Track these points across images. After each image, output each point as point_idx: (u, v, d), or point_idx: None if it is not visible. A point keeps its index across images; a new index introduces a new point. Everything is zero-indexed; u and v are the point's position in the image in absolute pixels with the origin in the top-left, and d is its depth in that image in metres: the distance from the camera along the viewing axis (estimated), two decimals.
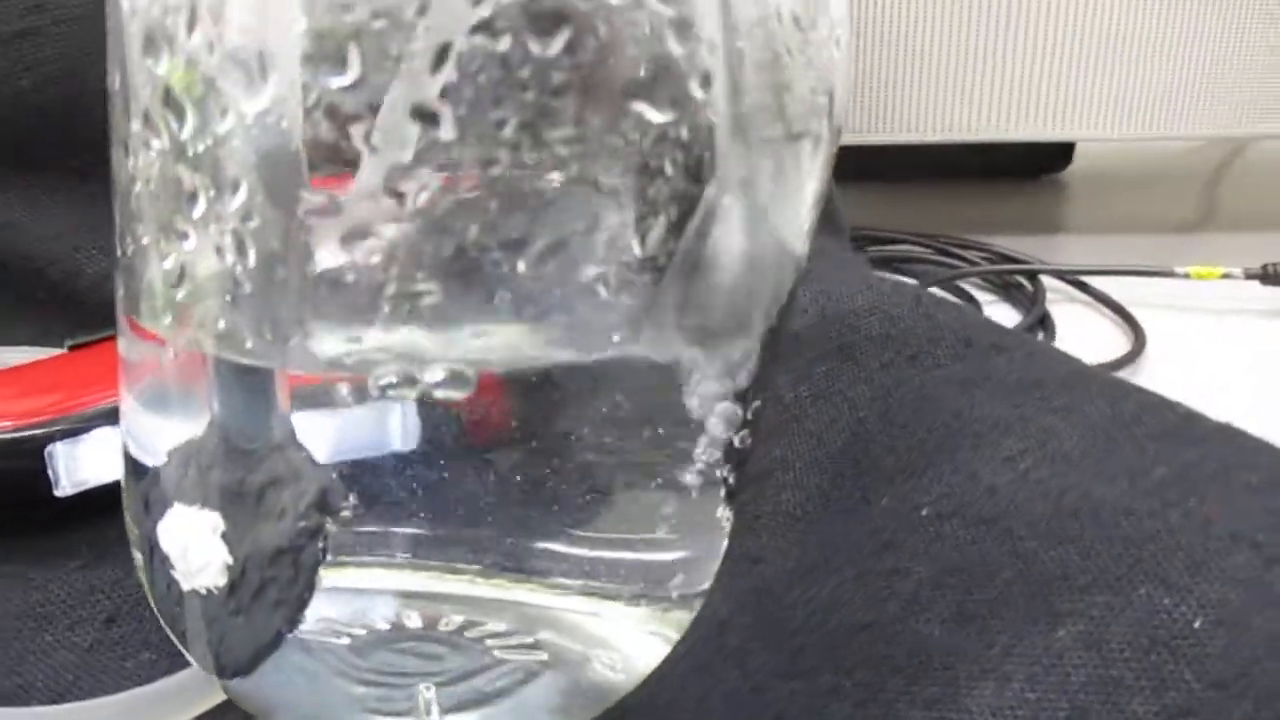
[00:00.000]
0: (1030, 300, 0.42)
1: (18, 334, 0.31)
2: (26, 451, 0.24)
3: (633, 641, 0.20)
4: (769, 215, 0.17)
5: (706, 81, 0.15)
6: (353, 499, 0.16)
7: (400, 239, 0.14)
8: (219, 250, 0.15)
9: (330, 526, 0.17)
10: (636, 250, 0.15)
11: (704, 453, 0.18)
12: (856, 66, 0.43)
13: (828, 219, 0.37)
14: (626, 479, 0.18)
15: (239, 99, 0.14)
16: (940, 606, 0.20)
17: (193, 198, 0.15)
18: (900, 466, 0.25)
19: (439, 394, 0.15)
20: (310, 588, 0.17)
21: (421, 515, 0.17)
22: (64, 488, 0.25)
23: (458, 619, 0.18)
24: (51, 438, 0.24)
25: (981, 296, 0.44)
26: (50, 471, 0.24)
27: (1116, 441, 0.24)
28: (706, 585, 0.20)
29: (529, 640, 0.19)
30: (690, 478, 0.18)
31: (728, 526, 0.21)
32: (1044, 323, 0.41)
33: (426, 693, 0.18)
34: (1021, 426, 0.25)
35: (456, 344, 0.15)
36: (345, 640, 0.17)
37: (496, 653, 0.18)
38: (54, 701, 0.22)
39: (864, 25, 0.43)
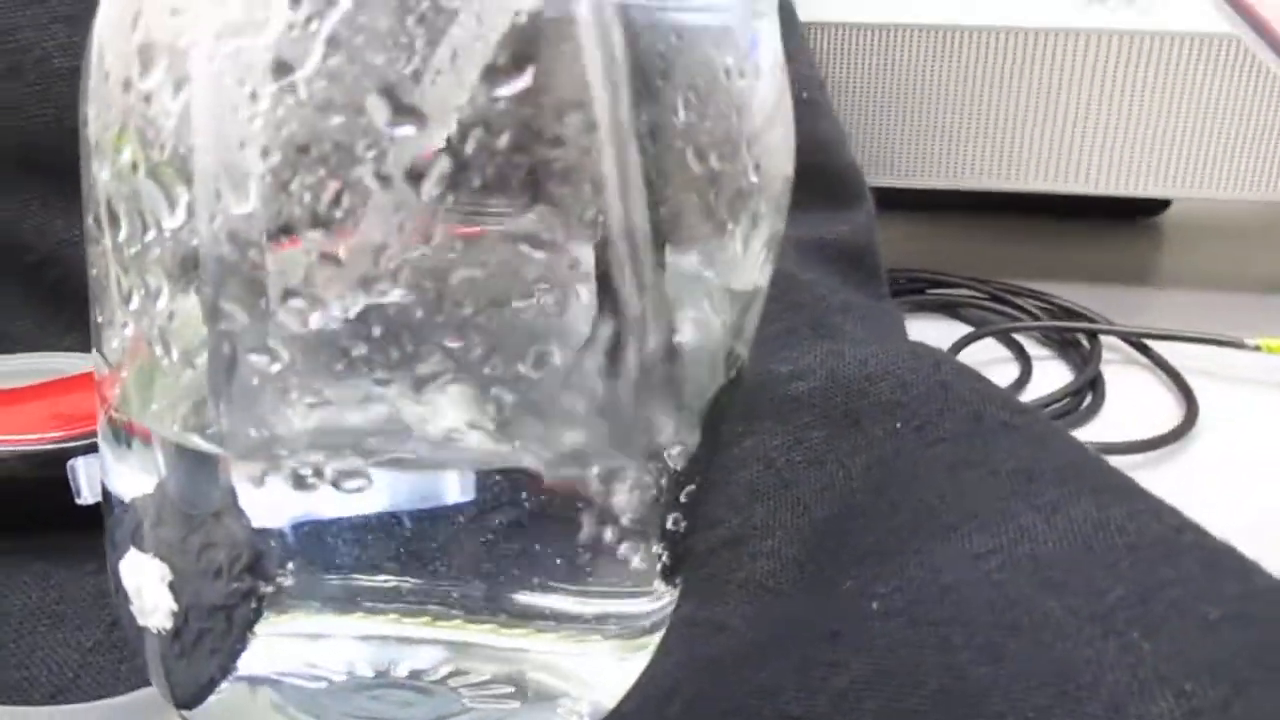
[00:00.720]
0: (1084, 359, 0.41)
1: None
2: (55, 463, 0.26)
3: (600, 672, 0.20)
4: (691, 310, 0.17)
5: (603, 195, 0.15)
6: (290, 564, 0.18)
7: (310, 343, 0.15)
8: (149, 342, 0.16)
9: (264, 588, 0.18)
10: (556, 361, 0.16)
11: (631, 528, 0.19)
12: (939, 112, 0.42)
13: (859, 267, 0.36)
14: (573, 546, 0.19)
15: (160, 213, 0.15)
16: (865, 709, 0.20)
17: (128, 294, 0.16)
18: (871, 549, 0.25)
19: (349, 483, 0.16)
20: (243, 642, 0.19)
21: (396, 567, 0.18)
22: (85, 498, 0.27)
23: (441, 668, 0.19)
24: (77, 451, 0.26)
25: (1034, 350, 0.43)
26: (72, 483, 0.26)
27: (1091, 550, 0.23)
28: (657, 635, 0.21)
29: (503, 689, 0.20)
30: (624, 551, 0.19)
31: (668, 599, 0.21)
32: (1095, 385, 0.40)
33: None
34: (999, 523, 0.24)
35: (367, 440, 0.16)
36: (322, 684, 0.19)
37: (467, 700, 0.19)
38: (53, 696, 0.24)
39: (940, 70, 0.42)
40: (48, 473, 0.27)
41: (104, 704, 0.22)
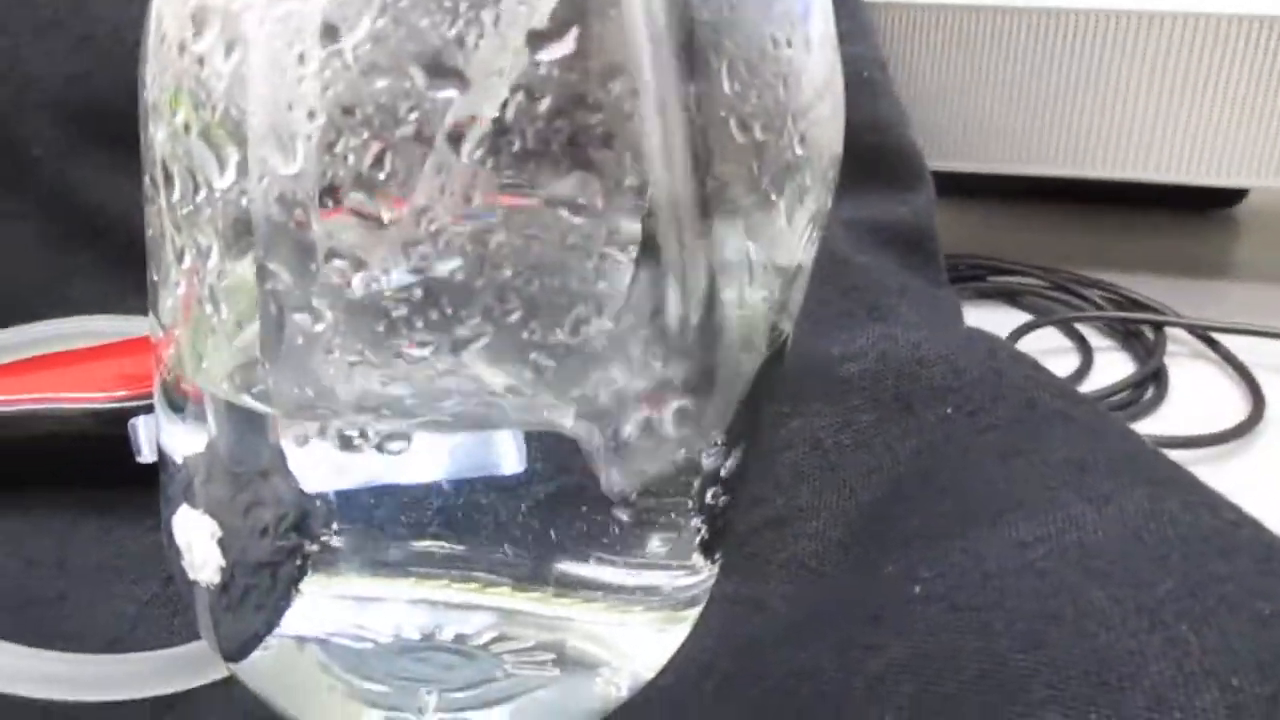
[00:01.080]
0: (1148, 352, 0.40)
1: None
2: (118, 421, 0.27)
3: (640, 643, 0.20)
4: (733, 281, 0.17)
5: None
6: (335, 524, 0.18)
7: (354, 305, 0.15)
8: (200, 301, 0.16)
9: (309, 547, 0.18)
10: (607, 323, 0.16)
11: (671, 501, 0.19)
12: (1006, 94, 0.41)
13: (917, 251, 0.36)
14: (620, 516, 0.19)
15: (210, 174, 0.15)
16: (900, 693, 0.20)
17: (180, 254, 0.16)
18: (915, 534, 0.25)
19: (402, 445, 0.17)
20: (287, 599, 0.19)
21: (440, 532, 0.18)
22: (144, 456, 0.27)
23: (486, 634, 0.19)
24: (139, 410, 0.27)
25: (1097, 341, 0.42)
26: (132, 441, 0.27)
27: (1142, 541, 0.23)
28: (697, 608, 0.21)
29: (545, 656, 0.20)
30: (663, 523, 0.19)
31: (708, 573, 0.21)
32: (1158, 378, 0.39)
33: (427, 696, 0.20)
34: (1048, 511, 0.24)
35: (419, 406, 0.16)
36: (369, 645, 0.19)
37: (509, 666, 0.20)
38: (110, 645, 0.25)
39: (1008, 51, 0.41)
40: (112, 431, 0.28)
41: (157, 655, 0.23)
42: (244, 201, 0.15)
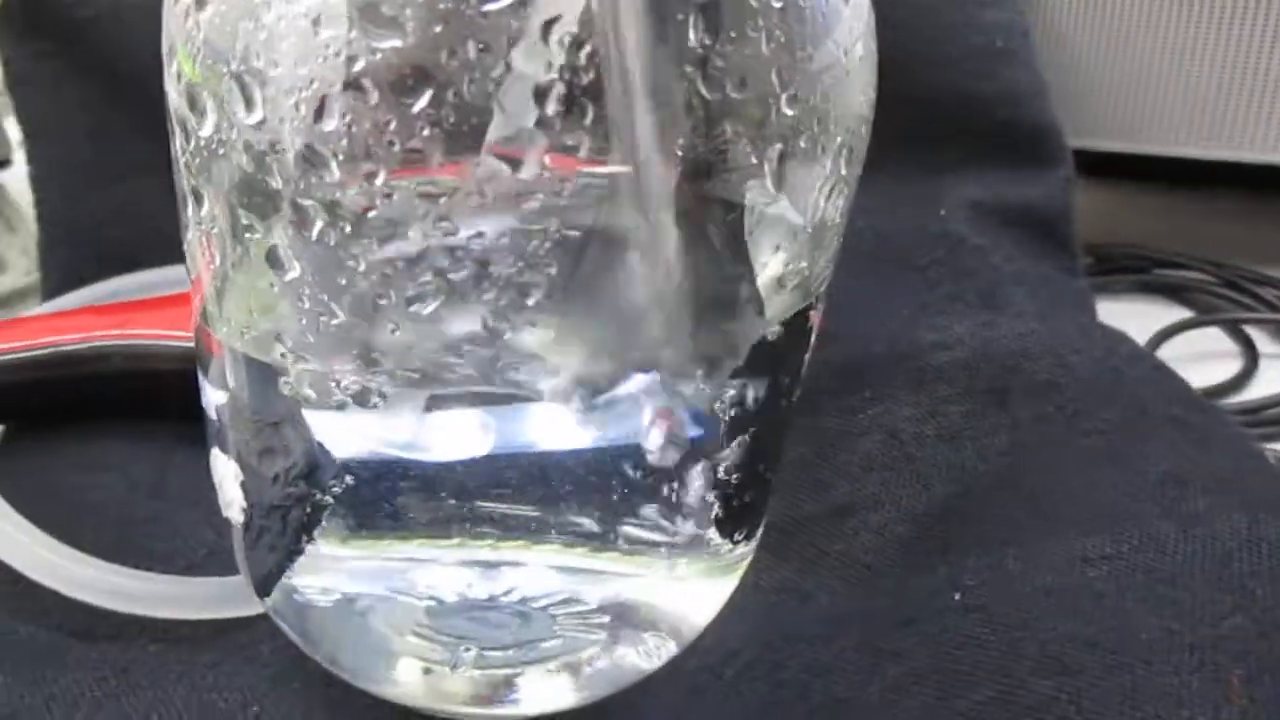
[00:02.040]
0: None
1: None
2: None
3: (685, 600, 0.20)
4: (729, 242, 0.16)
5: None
6: (348, 478, 0.18)
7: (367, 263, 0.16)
8: (203, 248, 0.17)
9: (318, 497, 0.19)
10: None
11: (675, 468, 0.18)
12: (1176, 67, 0.38)
13: (1047, 237, 0.33)
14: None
15: (193, 124, 0.15)
16: (910, 705, 0.19)
17: (184, 199, 0.17)
18: (979, 538, 0.23)
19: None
20: (297, 545, 0.20)
21: (500, 497, 0.18)
22: None
23: (550, 595, 0.20)
24: None
25: (1266, 346, 0.37)
26: None
27: (1226, 570, 0.20)
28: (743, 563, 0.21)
29: (600, 619, 0.20)
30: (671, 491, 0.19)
31: (728, 551, 0.20)
32: None
33: (466, 653, 0.20)
34: (1126, 527, 0.22)
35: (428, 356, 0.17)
36: (429, 603, 0.19)
37: (559, 625, 0.20)
38: (186, 569, 0.26)
39: (1182, 32, 0.37)
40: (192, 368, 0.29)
41: (221, 581, 0.24)
42: (221, 151, 0.15)
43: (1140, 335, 0.36)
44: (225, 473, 0.21)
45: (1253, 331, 0.38)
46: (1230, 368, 0.37)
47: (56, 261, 0.35)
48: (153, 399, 0.28)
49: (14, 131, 0.39)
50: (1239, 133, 0.38)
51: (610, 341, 0.16)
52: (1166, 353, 0.37)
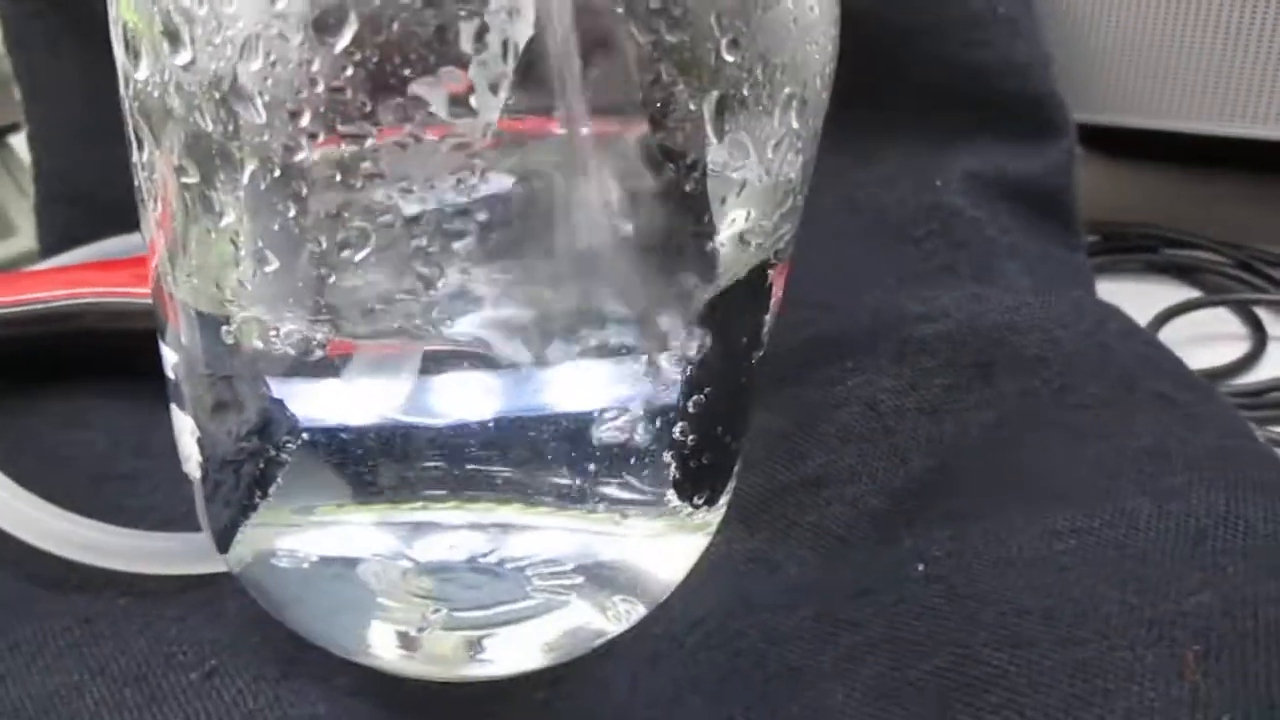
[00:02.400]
0: None
1: None
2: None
3: (652, 562, 0.20)
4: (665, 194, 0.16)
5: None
6: (304, 435, 0.18)
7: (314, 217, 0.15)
8: (150, 198, 0.17)
9: (271, 452, 0.19)
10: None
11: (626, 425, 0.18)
12: (1190, 41, 0.36)
13: (1047, 211, 0.32)
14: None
15: (131, 68, 0.15)
16: (863, 674, 0.18)
17: (131, 149, 0.17)
18: (950, 511, 0.23)
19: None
20: (251, 501, 0.19)
21: (461, 458, 0.18)
22: None
23: (515, 551, 0.19)
24: None
25: (1275, 329, 0.36)
26: None
27: (1199, 547, 0.20)
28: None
29: (573, 580, 0.20)
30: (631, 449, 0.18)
31: (685, 515, 0.20)
32: None
33: (435, 614, 0.20)
34: (1100, 502, 0.21)
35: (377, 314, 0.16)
36: (403, 564, 0.19)
37: (535, 583, 0.20)
38: (163, 525, 0.26)
39: (1194, 4, 0.36)
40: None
41: (189, 537, 0.24)
42: (156, 94, 0.15)
43: (1146, 315, 0.36)
44: (182, 428, 0.21)
45: (1262, 313, 0.37)
46: (1238, 349, 0.36)
47: (53, 220, 0.35)
48: (130, 356, 0.28)
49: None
50: (1248, 107, 0.36)
51: (550, 295, 0.16)
52: (1172, 333, 0.36)
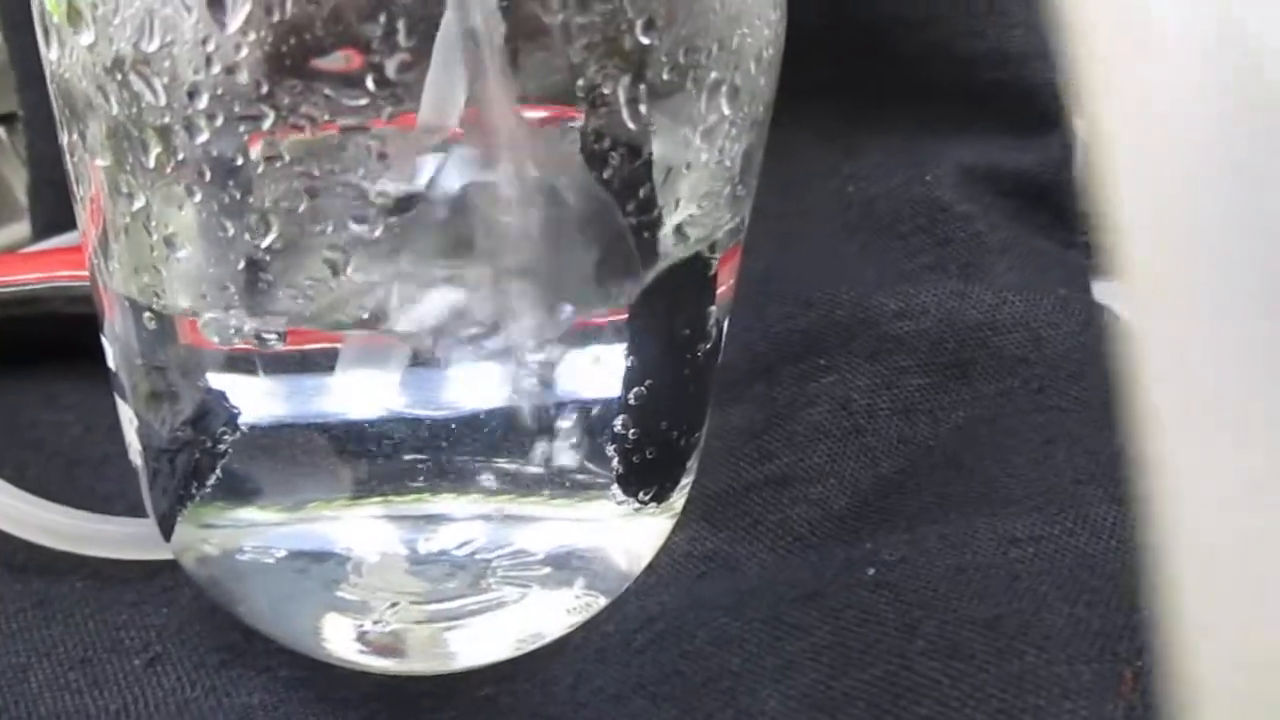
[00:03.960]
0: None
1: None
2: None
3: (608, 554, 0.20)
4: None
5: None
6: (244, 427, 0.18)
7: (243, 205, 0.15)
8: (72, 184, 0.17)
9: (206, 443, 0.18)
10: None
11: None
12: None
13: (1041, 206, 0.31)
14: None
15: (48, 49, 0.15)
16: (800, 681, 0.18)
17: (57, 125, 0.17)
18: (912, 514, 0.22)
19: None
20: (188, 491, 0.19)
21: (425, 451, 0.18)
22: None
23: (476, 541, 0.19)
24: None
25: None
26: None
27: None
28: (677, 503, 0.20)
29: (540, 571, 0.20)
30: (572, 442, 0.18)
31: (633, 510, 0.20)
32: None
33: (392, 608, 0.20)
34: (1066, 508, 0.20)
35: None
36: (362, 556, 0.19)
37: (499, 574, 0.19)
38: (129, 511, 0.26)
39: None
40: None
41: (138, 521, 0.24)
42: (66, 75, 0.15)
43: None
44: (123, 418, 0.20)
45: None
46: None
47: (44, 204, 0.35)
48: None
49: None
50: None
51: (472, 286, 0.16)
52: None
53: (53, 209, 0.35)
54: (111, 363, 0.20)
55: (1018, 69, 0.30)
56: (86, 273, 0.29)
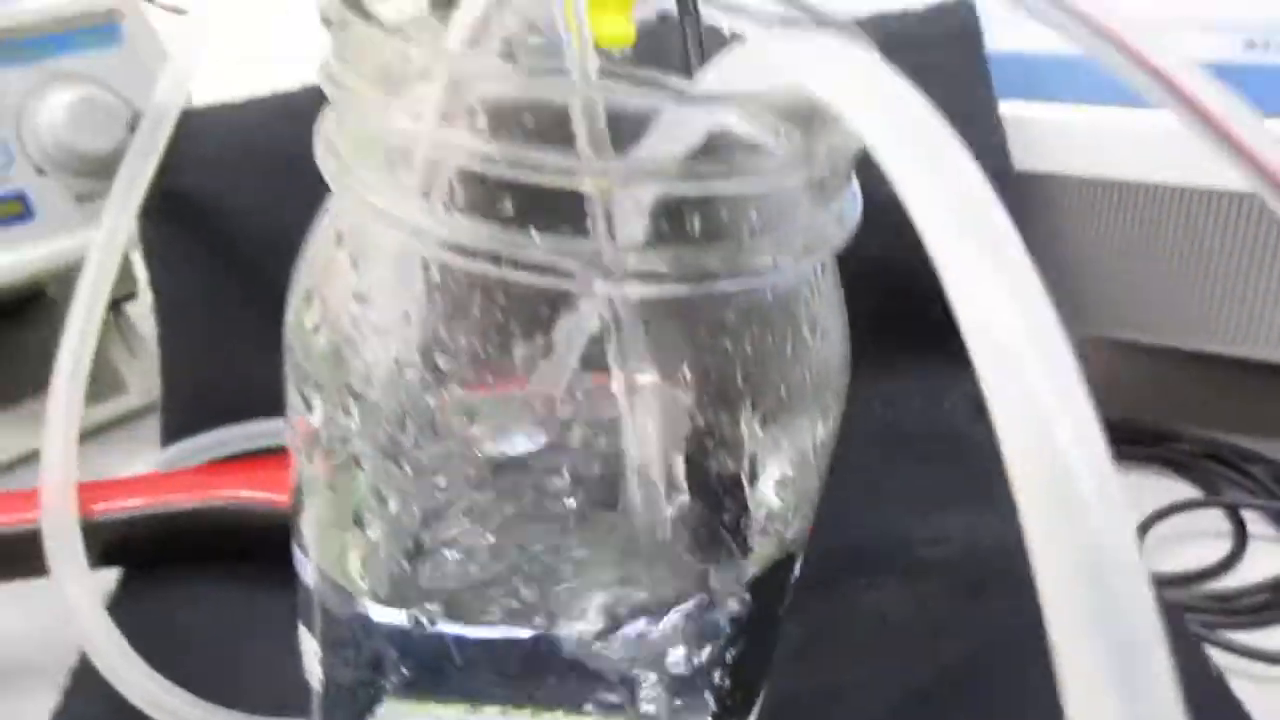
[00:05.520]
0: None
1: None
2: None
3: None
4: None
5: None
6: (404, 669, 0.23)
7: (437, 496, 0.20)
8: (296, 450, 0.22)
9: (381, 682, 0.23)
10: None
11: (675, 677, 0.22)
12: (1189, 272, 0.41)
13: None
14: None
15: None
16: None
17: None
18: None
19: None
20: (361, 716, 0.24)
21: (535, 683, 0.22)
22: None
23: None
24: None
25: (1259, 529, 0.40)
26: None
27: None
28: None
29: None
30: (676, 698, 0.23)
31: None
32: None
33: None
34: None
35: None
36: None
37: None
38: (277, 710, 0.31)
39: (1196, 232, 0.41)
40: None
41: None
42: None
43: (1137, 512, 0.39)
44: (307, 648, 0.25)
45: (1247, 514, 0.40)
46: (1218, 549, 0.39)
47: (176, 409, 0.40)
48: (255, 552, 0.33)
49: (139, 267, 0.44)
50: (1234, 330, 0.41)
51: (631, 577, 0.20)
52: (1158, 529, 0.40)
53: (182, 419, 0.40)
54: (301, 594, 0.24)
55: None
56: (228, 493, 0.34)
